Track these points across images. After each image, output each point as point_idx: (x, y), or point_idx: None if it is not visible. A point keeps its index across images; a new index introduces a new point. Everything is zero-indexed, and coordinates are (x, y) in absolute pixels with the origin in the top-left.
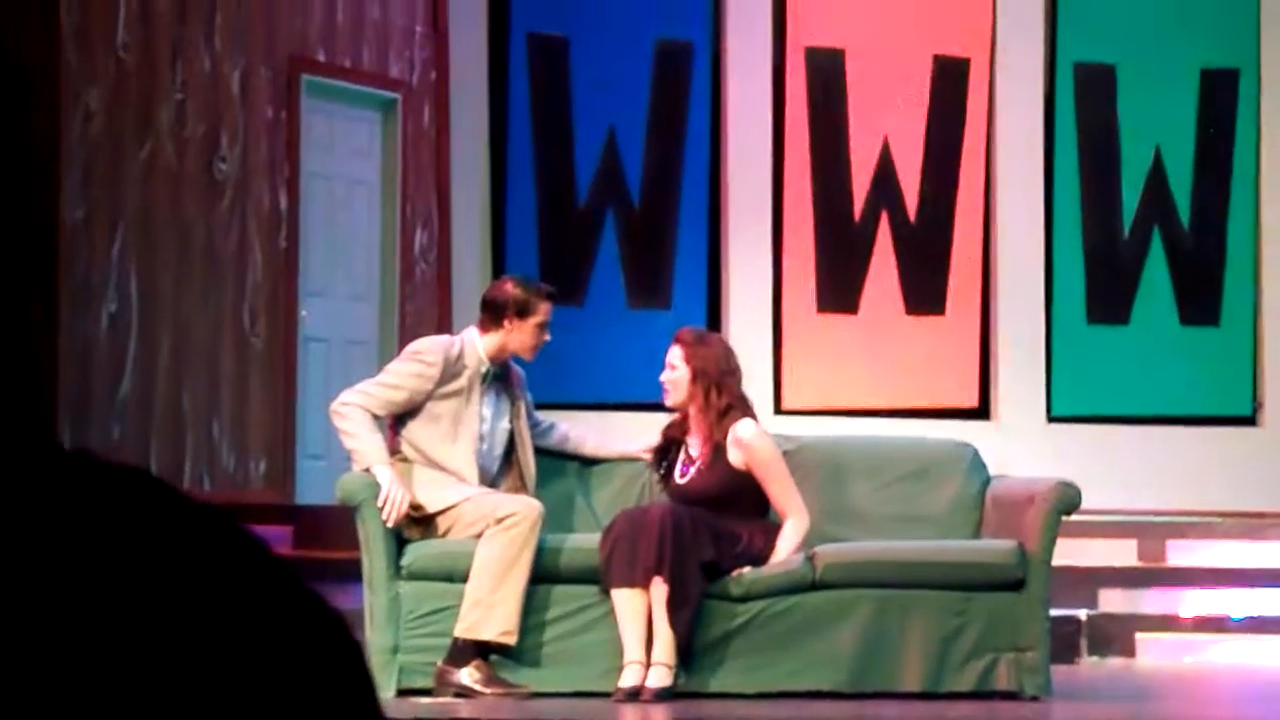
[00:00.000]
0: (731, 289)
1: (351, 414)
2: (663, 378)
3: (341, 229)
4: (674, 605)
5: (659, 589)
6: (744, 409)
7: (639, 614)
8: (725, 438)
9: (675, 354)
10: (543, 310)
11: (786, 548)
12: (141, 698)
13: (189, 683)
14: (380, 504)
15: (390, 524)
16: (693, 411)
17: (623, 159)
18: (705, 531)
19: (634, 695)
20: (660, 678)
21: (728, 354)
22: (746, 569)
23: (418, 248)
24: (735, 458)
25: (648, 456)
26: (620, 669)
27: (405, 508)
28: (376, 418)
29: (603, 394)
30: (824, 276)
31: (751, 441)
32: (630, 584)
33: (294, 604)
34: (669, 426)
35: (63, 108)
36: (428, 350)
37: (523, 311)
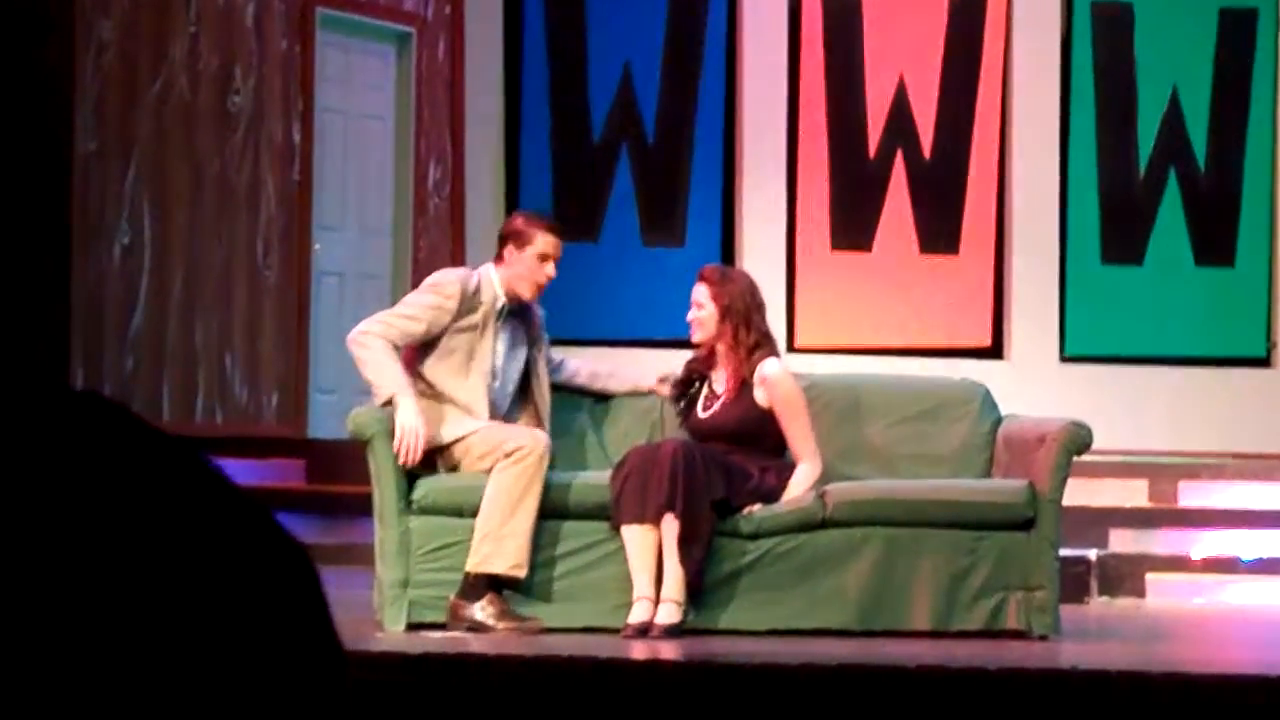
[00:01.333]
0: (745, 226)
1: (371, 343)
2: (689, 316)
3: (355, 163)
4: (684, 542)
5: (670, 525)
6: (770, 346)
7: (649, 550)
8: (752, 374)
9: (701, 292)
10: (540, 242)
11: (795, 489)
12: (98, 623)
13: (145, 608)
14: (396, 442)
15: (405, 463)
16: (721, 348)
17: (638, 95)
18: (717, 468)
19: (643, 631)
20: (669, 614)
21: (753, 289)
22: (757, 506)
23: (431, 182)
24: (760, 396)
25: (663, 389)
26: (630, 605)
27: (421, 449)
28: (395, 348)
29: (617, 330)
30: (838, 214)
31: (777, 380)
32: (640, 520)
33: (251, 532)
34: (692, 360)
35: (76, 40)
36: (446, 282)
37: (520, 241)
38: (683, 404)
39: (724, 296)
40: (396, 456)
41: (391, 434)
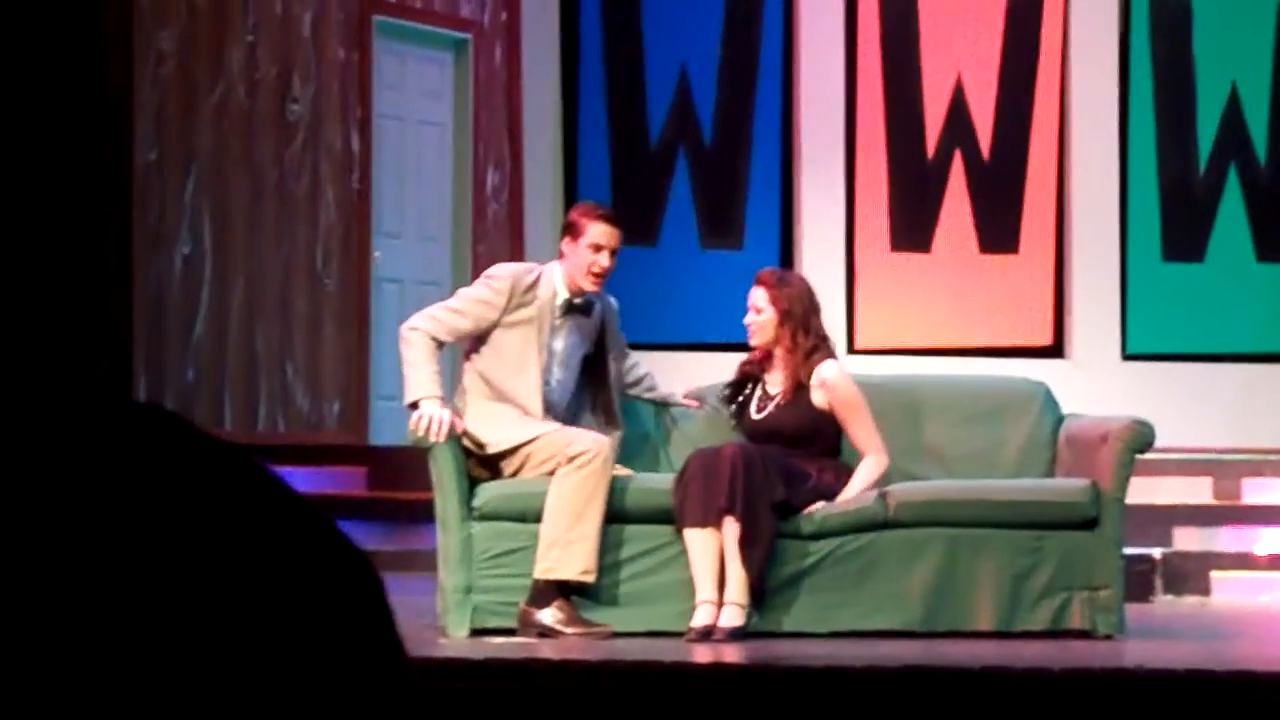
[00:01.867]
0: (804, 228)
1: (415, 340)
2: (747, 320)
3: (413, 170)
4: (746, 544)
5: (731, 528)
6: (827, 348)
7: (711, 554)
8: (809, 377)
9: (759, 296)
10: (593, 232)
11: (860, 483)
12: (156, 633)
13: (208, 619)
14: (414, 425)
15: (426, 434)
16: (778, 352)
17: (694, 98)
18: (776, 470)
19: (706, 634)
20: (733, 617)
21: (810, 292)
22: (819, 504)
23: (489, 188)
24: (819, 399)
25: (693, 404)
26: (694, 609)
27: (445, 430)
28: (441, 345)
29: (675, 334)
30: (897, 215)
31: (836, 382)
32: (702, 524)
33: (312, 540)
34: (746, 363)
35: (135, 51)
36: (498, 276)
37: (574, 232)
38: (734, 406)
39: (782, 300)
40: (416, 431)
41: (450, 444)
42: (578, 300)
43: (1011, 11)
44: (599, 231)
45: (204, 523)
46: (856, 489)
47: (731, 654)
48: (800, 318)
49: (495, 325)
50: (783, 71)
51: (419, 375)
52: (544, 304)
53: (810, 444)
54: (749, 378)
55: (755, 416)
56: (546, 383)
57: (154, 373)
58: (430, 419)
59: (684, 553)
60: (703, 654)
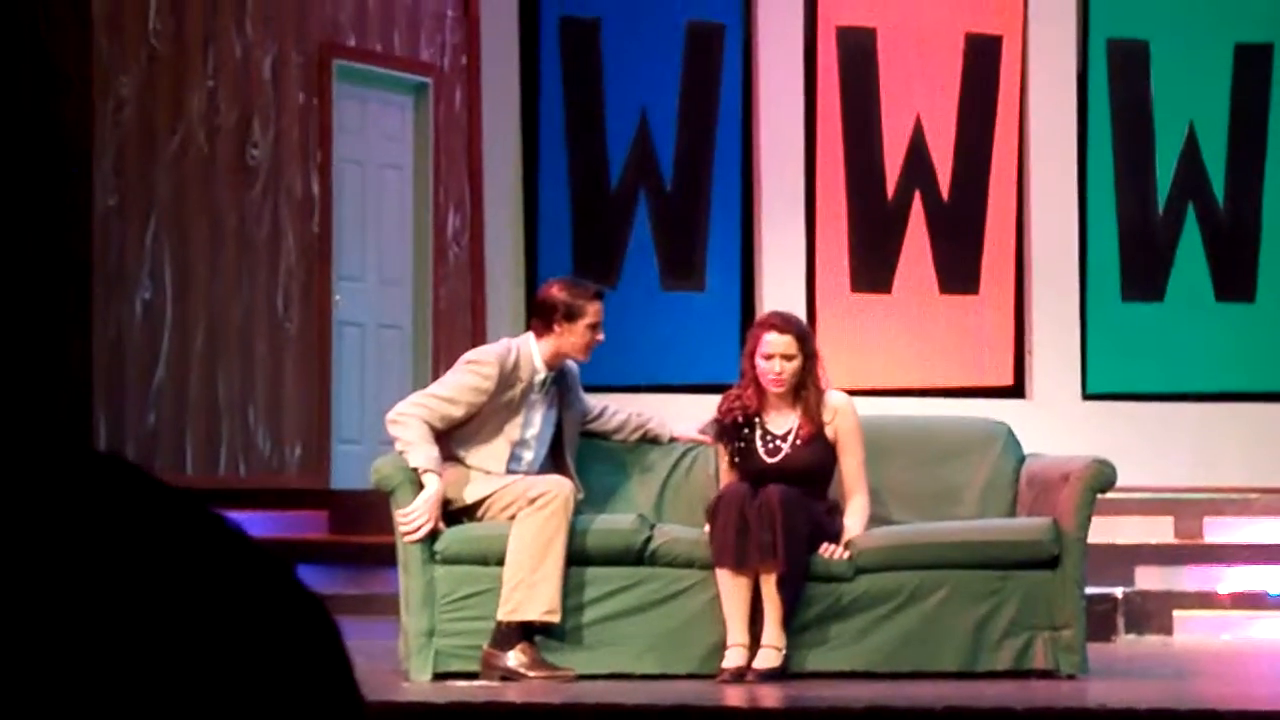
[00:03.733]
0: (765, 270)
1: (409, 424)
2: (780, 368)
3: (374, 214)
4: (784, 587)
5: (772, 571)
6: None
7: (744, 596)
8: (822, 418)
9: (787, 344)
10: (591, 311)
11: (856, 526)
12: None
13: (164, 666)
14: (404, 513)
15: (405, 536)
16: (793, 394)
17: (655, 141)
18: (805, 511)
19: (739, 676)
20: (770, 659)
21: None
22: (835, 549)
23: (450, 231)
24: (830, 431)
25: (706, 440)
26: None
27: (426, 533)
28: (433, 429)
29: (636, 376)
30: (857, 256)
31: (847, 410)
32: (739, 565)
33: (269, 587)
34: (734, 404)
35: (95, 96)
36: (484, 361)
37: (571, 315)
38: (734, 449)
39: (808, 344)
40: (401, 529)
41: (414, 486)
42: (553, 374)
43: (970, 53)
44: (596, 310)
45: (161, 572)
46: (855, 532)
47: (736, 696)
48: (819, 357)
49: (480, 410)
50: (743, 114)
51: (417, 453)
52: (525, 384)
53: (819, 483)
54: (745, 417)
55: (768, 460)
56: (517, 457)
57: (114, 418)
58: (414, 527)
59: (648, 594)
60: (737, 695)
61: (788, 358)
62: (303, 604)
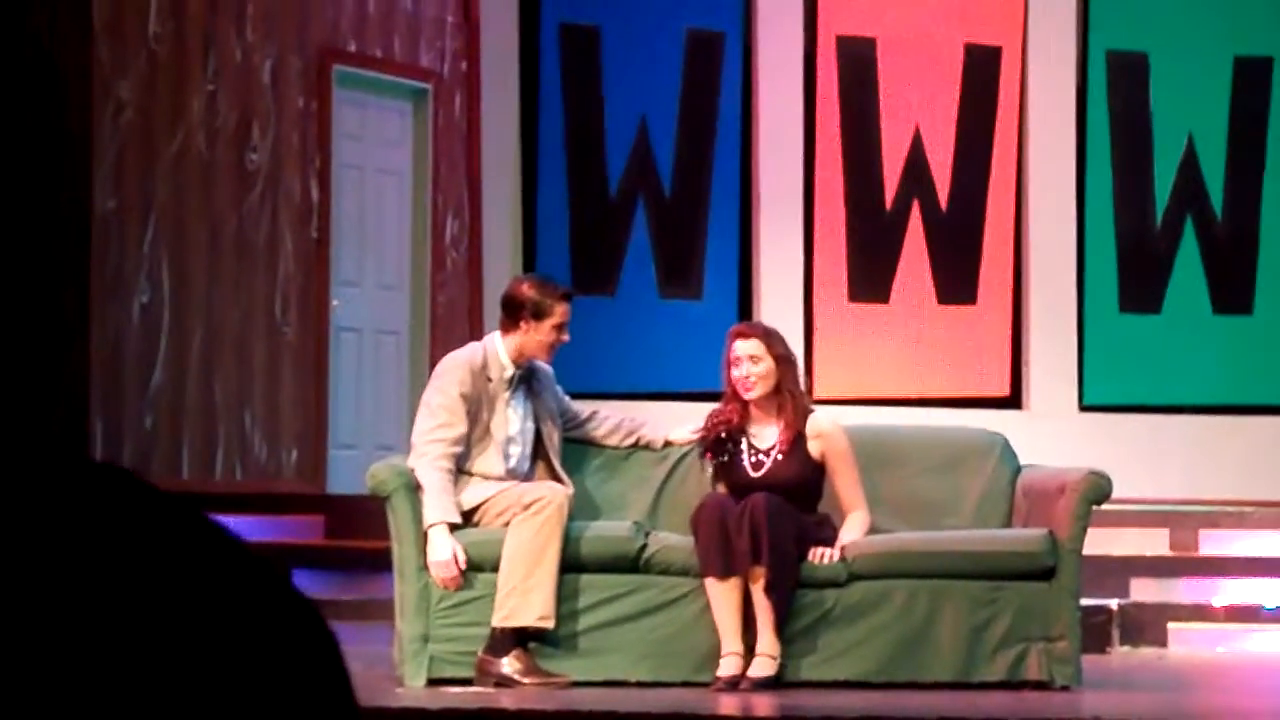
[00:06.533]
0: (763, 279)
1: (424, 474)
2: (747, 372)
3: (373, 219)
4: (772, 593)
5: (759, 578)
6: (806, 395)
7: (735, 604)
8: (803, 427)
9: (753, 346)
10: (559, 312)
11: (856, 536)
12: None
13: (158, 672)
14: (434, 573)
15: (442, 585)
16: (770, 402)
17: (654, 149)
18: (790, 518)
19: (734, 685)
20: (764, 668)
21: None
22: (826, 554)
23: (449, 237)
24: (814, 448)
25: (693, 437)
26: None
27: (457, 574)
28: (453, 459)
29: (634, 384)
30: (855, 266)
31: (834, 433)
32: (726, 574)
33: (263, 593)
34: (720, 417)
35: (94, 99)
36: (452, 369)
37: (539, 314)
38: (719, 462)
39: (776, 347)
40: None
41: (411, 488)
42: (520, 372)
43: (970, 64)
44: (564, 311)
45: (155, 578)
46: (855, 538)
47: (729, 705)
48: (793, 363)
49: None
50: (742, 122)
51: (430, 503)
52: (496, 382)
53: (808, 496)
54: (730, 431)
55: (754, 474)
56: (508, 455)
57: (111, 421)
58: (444, 581)
59: (643, 602)
60: (731, 704)
61: (755, 359)
62: (298, 611)
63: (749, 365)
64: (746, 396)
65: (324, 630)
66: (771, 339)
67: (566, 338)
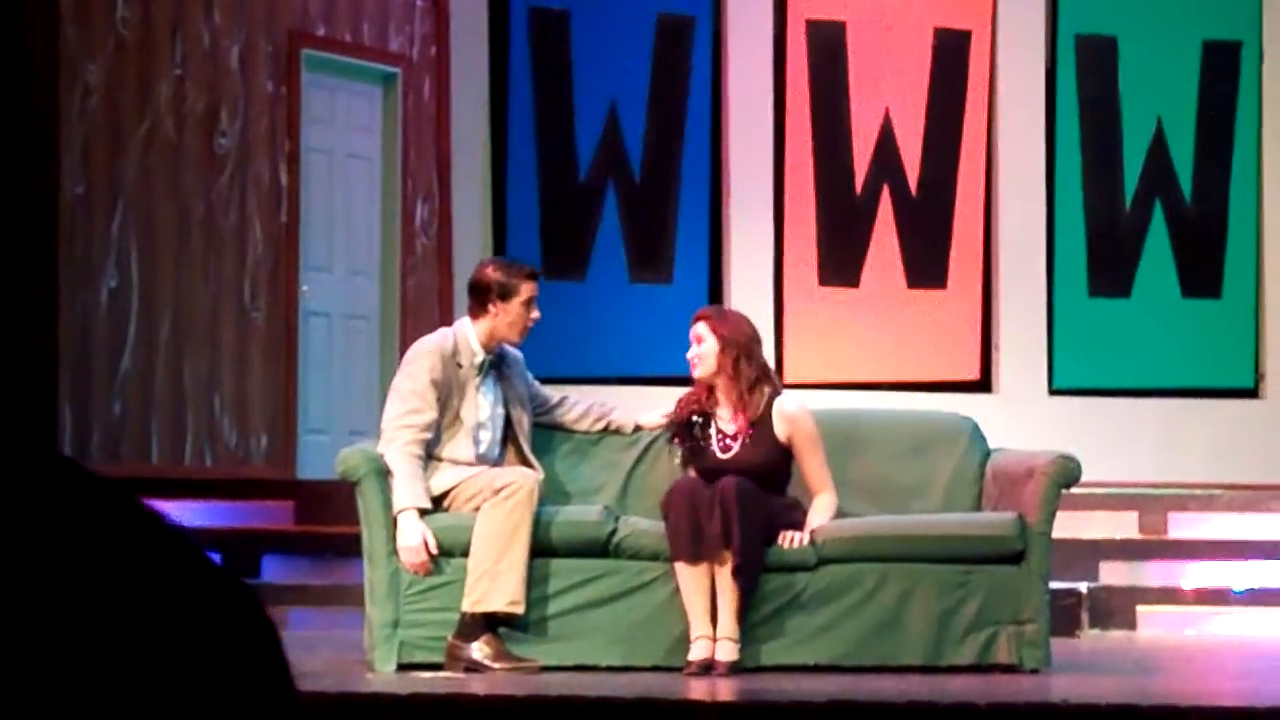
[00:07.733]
0: (733, 263)
1: (394, 460)
2: (690, 353)
3: (342, 204)
4: (739, 577)
5: (726, 562)
6: (771, 380)
7: (704, 588)
8: (760, 410)
9: (700, 328)
10: (525, 290)
11: (823, 519)
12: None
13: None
14: (404, 558)
15: (412, 571)
16: (721, 383)
17: (624, 133)
18: (759, 502)
19: (707, 669)
20: (728, 652)
21: (750, 324)
22: (796, 537)
23: (418, 222)
24: (780, 431)
25: (663, 421)
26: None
27: (427, 559)
28: (423, 445)
29: (604, 368)
30: (825, 250)
31: (800, 416)
32: (694, 558)
33: (201, 580)
34: (688, 402)
35: (61, 84)
36: (422, 354)
37: (505, 294)
38: (688, 446)
39: (723, 328)
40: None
41: (381, 474)
42: (491, 357)
43: (939, 48)
44: (531, 288)
45: (86, 566)
46: (823, 522)
47: (726, 689)
48: (742, 346)
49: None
50: (712, 107)
51: (400, 488)
52: (467, 368)
53: (774, 480)
54: (697, 415)
55: (721, 455)
56: (478, 441)
57: (80, 406)
58: (415, 567)
59: (613, 586)
60: (701, 689)
61: (699, 339)
62: (235, 597)
63: (694, 345)
64: (694, 374)
65: (261, 615)
66: (720, 321)
67: (537, 314)
